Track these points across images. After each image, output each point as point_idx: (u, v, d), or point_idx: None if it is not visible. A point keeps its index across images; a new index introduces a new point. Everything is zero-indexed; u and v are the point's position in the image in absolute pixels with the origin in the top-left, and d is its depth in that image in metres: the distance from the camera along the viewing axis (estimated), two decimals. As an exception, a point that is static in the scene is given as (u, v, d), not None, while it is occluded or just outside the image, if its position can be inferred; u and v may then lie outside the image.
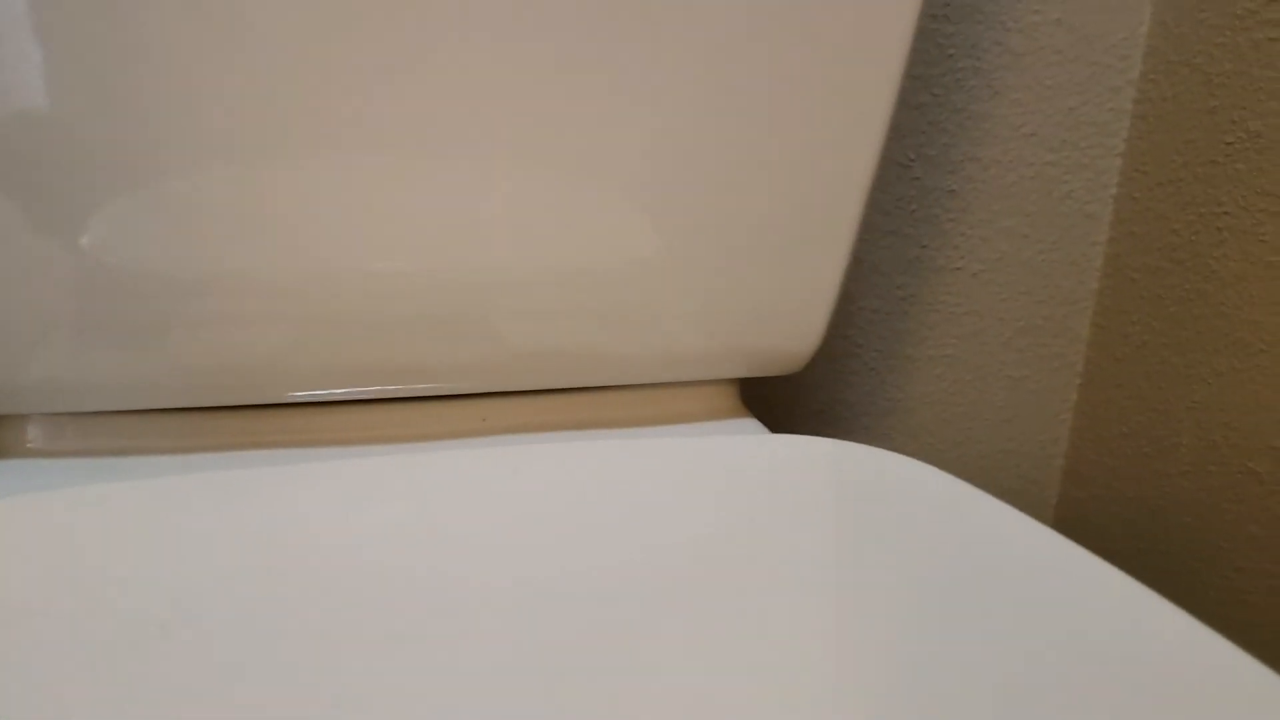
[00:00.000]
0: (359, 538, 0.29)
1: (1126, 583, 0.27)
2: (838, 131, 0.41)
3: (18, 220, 0.36)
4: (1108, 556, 0.74)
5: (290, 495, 0.32)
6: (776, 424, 0.72)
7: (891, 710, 0.22)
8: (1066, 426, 0.78)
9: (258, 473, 0.34)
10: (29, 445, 0.41)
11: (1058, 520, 0.80)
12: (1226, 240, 0.64)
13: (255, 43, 0.35)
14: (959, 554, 0.29)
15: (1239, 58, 0.63)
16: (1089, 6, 0.67)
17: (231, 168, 0.37)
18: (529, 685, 0.22)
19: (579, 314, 0.42)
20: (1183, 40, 0.66)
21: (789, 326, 0.45)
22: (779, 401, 0.71)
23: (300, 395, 0.42)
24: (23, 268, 0.37)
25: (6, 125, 0.35)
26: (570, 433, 0.40)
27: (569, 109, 0.39)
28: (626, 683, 0.22)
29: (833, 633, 0.24)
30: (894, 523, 0.30)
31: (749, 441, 0.36)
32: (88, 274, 0.37)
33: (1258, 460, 0.63)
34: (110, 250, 0.37)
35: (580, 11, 0.37)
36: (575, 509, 0.31)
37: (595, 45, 0.38)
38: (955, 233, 0.70)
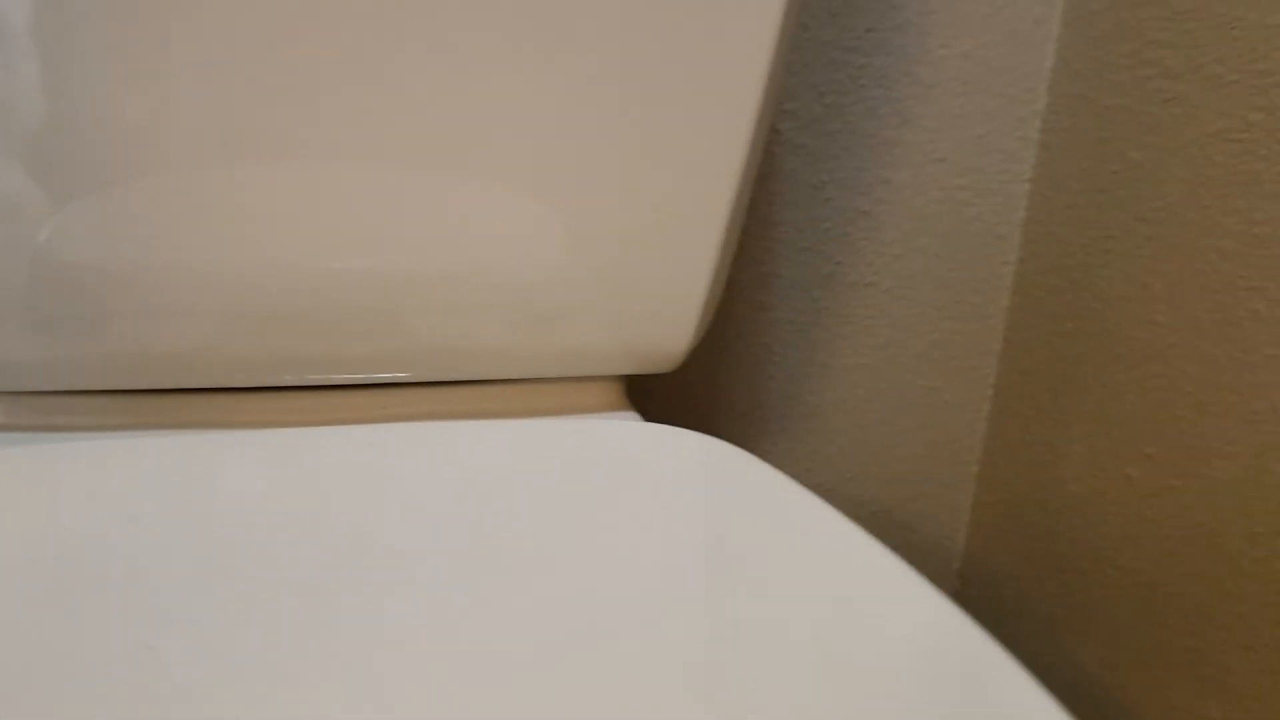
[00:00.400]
0: (210, 497, 0.34)
1: (913, 582, 0.31)
2: (702, 144, 0.46)
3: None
4: (1015, 559, 0.79)
5: (175, 460, 0.37)
6: (699, 425, 0.77)
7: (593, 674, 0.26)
8: (980, 435, 0.83)
9: (156, 440, 0.39)
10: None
11: (972, 524, 0.85)
12: (1111, 262, 0.69)
13: (175, 52, 0.40)
14: (729, 530, 0.34)
15: (1124, 93, 0.67)
16: (995, 41, 0.72)
17: (164, 169, 0.42)
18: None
19: (471, 310, 0.47)
20: (1081, 75, 0.71)
21: (663, 326, 0.50)
22: (700, 404, 0.76)
23: (225, 381, 0.48)
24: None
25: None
26: (453, 421, 0.45)
27: (463, 114, 0.44)
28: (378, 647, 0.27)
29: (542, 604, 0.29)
30: (677, 498, 0.35)
31: (589, 425, 0.41)
32: (35, 265, 0.43)
33: (1133, 466, 0.68)
34: (57, 245, 0.43)
35: (471, 17, 0.42)
36: (398, 482, 0.36)
37: (481, 54, 0.43)
38: (868, 251, 0.75)
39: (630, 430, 0.41)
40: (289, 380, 0.49)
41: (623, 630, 0.27)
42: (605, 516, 0.34)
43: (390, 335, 0.48)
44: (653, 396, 0.75)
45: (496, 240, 0.46)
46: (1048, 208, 0.75)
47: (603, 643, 0.26)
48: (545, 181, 0.45)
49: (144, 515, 0.33)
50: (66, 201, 0.42)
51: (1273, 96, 0.57)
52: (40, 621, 0.27)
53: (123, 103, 0.41)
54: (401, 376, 0.49)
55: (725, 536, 0.33)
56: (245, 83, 0.41)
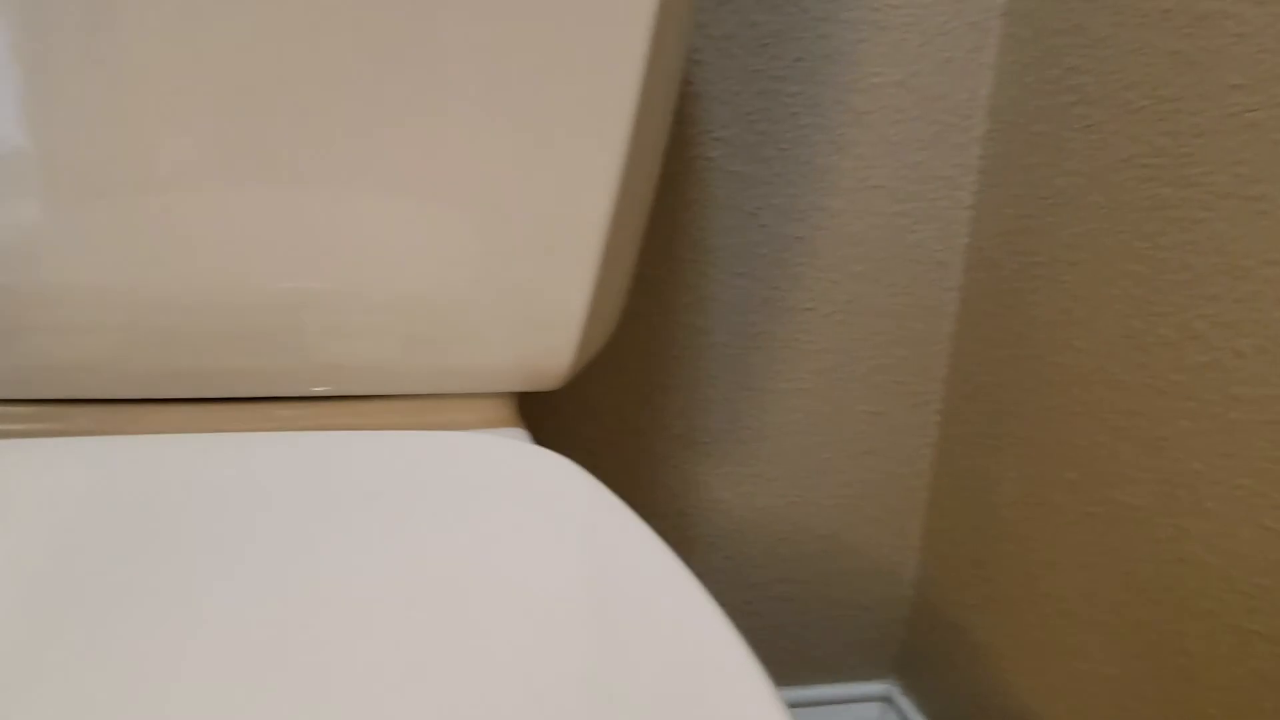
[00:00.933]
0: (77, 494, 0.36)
1: (688, 590, 0.32)
2: (574, 159, 0.47)
3: None
4: (965, 587, 0.79)
5: (72, 462, 0.39)
6: (635, 447, 0.78)
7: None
8: (928, 461, 0.83)
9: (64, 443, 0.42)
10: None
11: (924, 550, 0.85)
12: (1040, 288, 0.69)
13: (90, 75, 0.43)
14: (524, 534, 0.35)
15: (1050, 119, 0.68)
16: (929, 70, 0.73)
17: (77, 192, 0.44)
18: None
19: (353, 328, 0.49)
20: (1015, 102, 0.72)
21: (543, 342, 0.51)
22: (639, 427, 0.77)
23: (122, 393, 0.50)
24: None
25: None
26: (335, 432, 0.47)
27: (348, 136, 0.45)
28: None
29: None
30: (487, 508, 0.36)
31: (442, 439, 0.42)
32: None
33: (1058, 492, 0.68)
34: None
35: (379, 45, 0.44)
36: (240, 483, 0.38)
37: (358, 73, 0.45)
38: (806, 276, 0.76)
39: (484, 446, 0.42)
40: (185, 393, 0.50)
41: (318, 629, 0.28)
42: (400, 524, 0.35)
43: (281, 351, 0.49)
44: (587, 418, 0.76)
45: (372, 257, 0.47)
46: (987, 234, 0.75)
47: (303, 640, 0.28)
48: (421, 198, 0.47)
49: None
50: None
51: (1177, 122, 0.58)
52: None
53: (43, 123, 0.43)
54: (291, 390, 0.51)
55: (496, 544, 0.34)
56: (149, 110, 0.43)
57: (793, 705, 0.86)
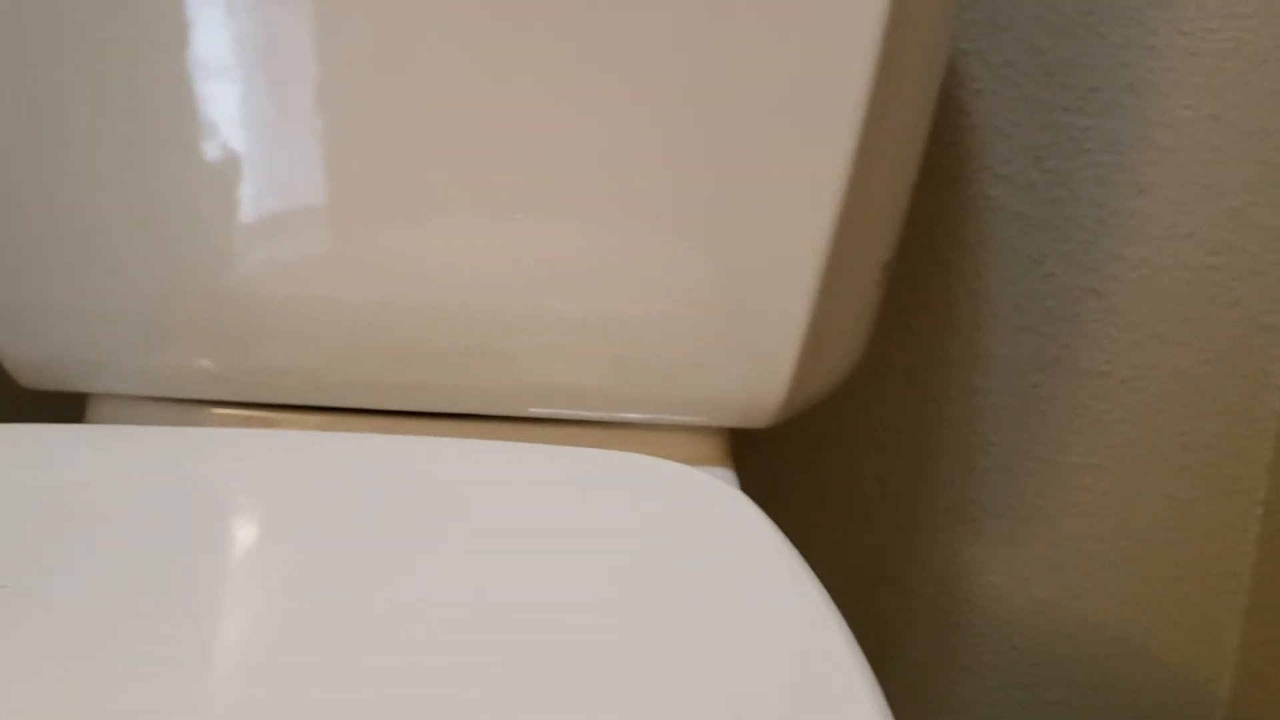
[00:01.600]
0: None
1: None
2: (790, 174, 0.43)
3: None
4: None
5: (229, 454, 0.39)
6: (901, 518, 0.71)
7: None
8: (1249, 561, 0.71)
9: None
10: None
11: (1240, 666, 0.72)
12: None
13: (345, 107, 0.43)
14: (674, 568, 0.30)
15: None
16: (1251, 102, 0.64)
17: (333, 212, 0.45)
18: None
19: (553, 349, 0.46)
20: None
21: (751, 376, 0.46)
22: (899, 493, 0.70)
23: (338, 401, 0.49)
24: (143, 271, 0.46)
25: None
26: (513, 443, 0.44)
27: (565, 158, 0.44)
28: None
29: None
30: (641, 536, 0.32)
31: (603, 457, 0.38)
32: (207, 279, 0.46)
33: None
34: (227, 264, 0.46)
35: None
36: (390, 480, 0.35)
37: (579, 97, 0.43)
38: (1100, 335, 0.67)
39: (652, 470, 0.38)
40: (394, 405, 0.49)
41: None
42: (547, 539, 0.31)
43: (492, 369, 0.48)
44: (843, 483, 0.70)
45: (579, 275, 0.45)
46: (1326, 293, 0.64)
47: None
48: (625, 213, 0.44)
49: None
50: (246, 228, 0.45)
51: None
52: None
53: (322, 144, 0.44)
54: (502, 410, 0.49)
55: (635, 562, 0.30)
56: (411, 139, 0.44)
57: (1076, 838, 0.75)
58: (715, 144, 0.43)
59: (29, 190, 0.45)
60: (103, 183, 0.45)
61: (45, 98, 0.44)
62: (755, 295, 0.45)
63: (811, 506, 0.71)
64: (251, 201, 0.45)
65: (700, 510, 0.34)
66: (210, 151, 0.44)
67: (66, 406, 0.52)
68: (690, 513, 0.34)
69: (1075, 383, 0.68)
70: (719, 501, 0.35)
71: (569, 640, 0.25)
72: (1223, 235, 0.66)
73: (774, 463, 0.70)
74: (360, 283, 0.46)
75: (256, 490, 0.36)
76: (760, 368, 0.46)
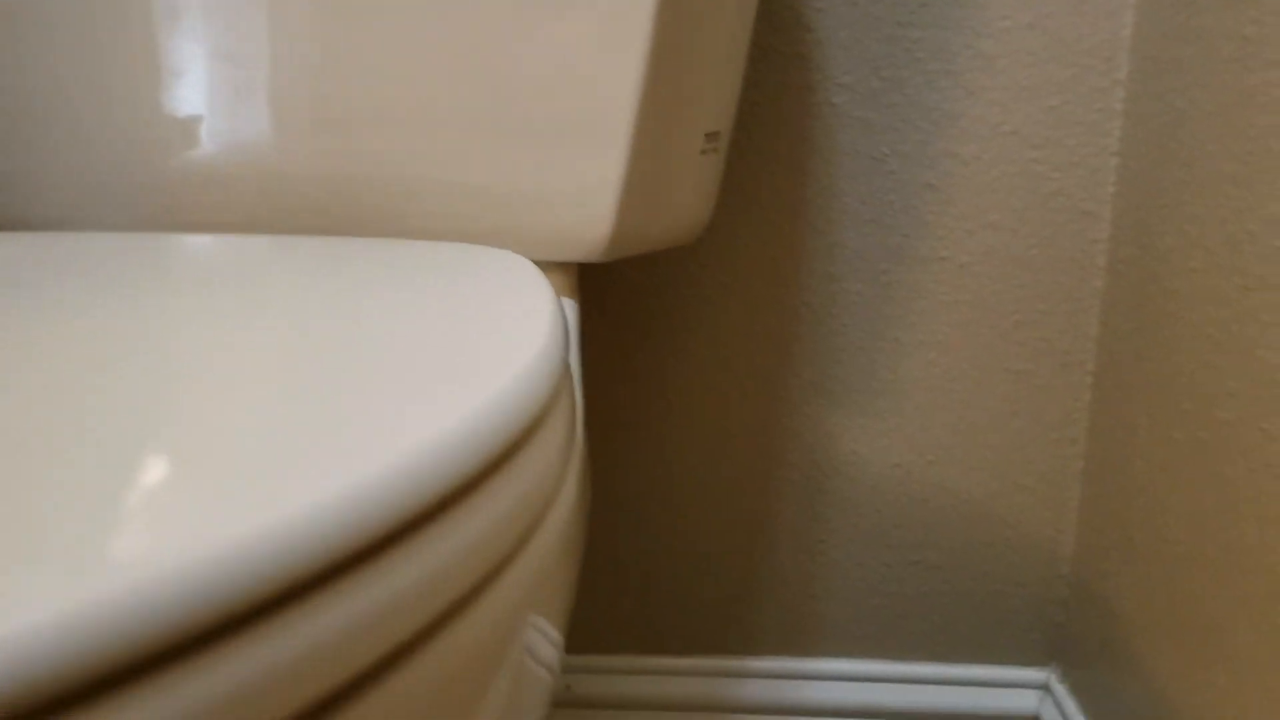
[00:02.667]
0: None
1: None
2: (593, 34, 0.52)
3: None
4: (1122, 561, 0.74)
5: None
6: (770, 393, 0.79)
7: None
8: (1083, 427, 0.79)
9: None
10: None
11: (1081, 524, 0.80)
12: (1200, 239, 0.66)
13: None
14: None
15: (1198, 43, 0.66)
16: (1061, 11, 0.72)
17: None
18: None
19: (424, 196, 0.55)
20: (1161, 40, 0.70)
21: (578, 212, 0.55)
22: (768, 371, 0.78)
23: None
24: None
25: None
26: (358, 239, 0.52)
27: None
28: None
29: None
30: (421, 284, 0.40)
31: (450, 249, 0.46)
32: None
33: (1175, 428, 0.64)
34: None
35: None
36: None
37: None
38: (938, 225, 0.76)
39: (481, 255, 0.46)
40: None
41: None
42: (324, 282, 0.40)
43: (374, 215, 0.56)
44: (716, 364, 0.78)
45: (422, 133, 0.54)
46: (1137, 184, 0.73)
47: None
48: (438, 77, 0.53)
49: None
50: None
51: None
52: None
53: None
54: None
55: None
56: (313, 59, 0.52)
57: (942, 683, 0.83)
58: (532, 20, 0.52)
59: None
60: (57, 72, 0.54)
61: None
62: (576, 137, 0.54)
63: (688, 391, 0.79)
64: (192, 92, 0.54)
65: (496, 273, 0.42)
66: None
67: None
68: (485, 274, 0.42)
69: (918, 269, 0.77)
70: (517, 271, 0.43)
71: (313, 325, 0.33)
72: (1043, 131, 0.74)
73: (658, 355, 0.78)
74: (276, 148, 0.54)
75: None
76: (586, 203, 0.55)
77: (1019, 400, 0.79)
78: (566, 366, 0.33)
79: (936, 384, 0.79)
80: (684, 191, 0.59)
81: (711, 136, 0.60)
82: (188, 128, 0.54)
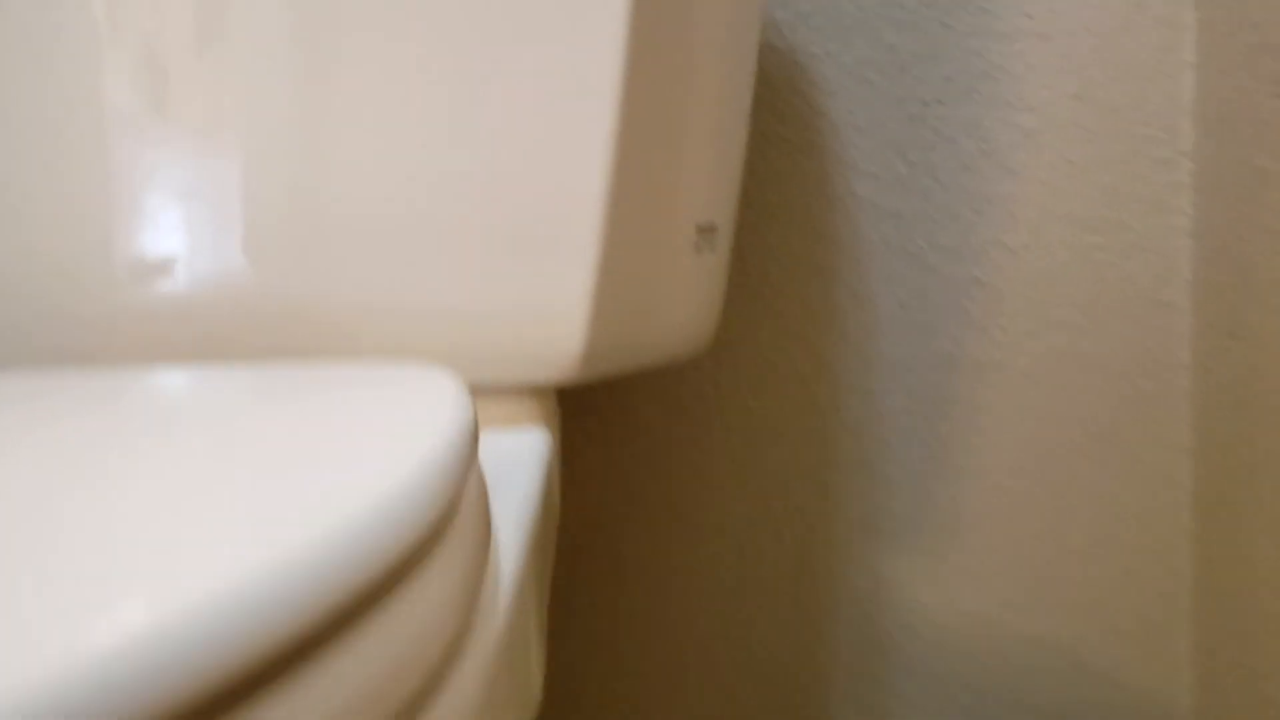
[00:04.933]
0: None
1: None
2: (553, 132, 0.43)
3: None
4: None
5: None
6: (811, 533, 0.67)
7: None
8: (1185, 556, 0.66)
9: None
10: None
11: (1196, 676, 0.66)
12: None
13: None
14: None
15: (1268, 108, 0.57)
16: (1108, 79, 0.64)
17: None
18: None
19: (379, 313, 0.46)
20: (1226, 101, 0.61)
21: (540, 329, 0.45)
22: (804, 506, 0.67)
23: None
24: None
25: None
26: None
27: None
28: None
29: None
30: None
31: (378, 375, 0.36)
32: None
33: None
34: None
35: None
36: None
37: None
38: (991, 326, 0.65)
39: (409, 378, 0.36)
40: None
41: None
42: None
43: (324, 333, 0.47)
44: (746, 498, 0.67)
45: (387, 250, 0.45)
46: (1219, 263, 0.62)
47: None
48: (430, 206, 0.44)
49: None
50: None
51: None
52: None
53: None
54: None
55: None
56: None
57: None
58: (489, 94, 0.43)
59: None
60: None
61: None
62: (533, 239, 0.44)
63: (709, 537, 0.68)
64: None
65: (409, 392, 0.32)
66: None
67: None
68: (398, 392, 0.32)
69: (973, 379, 0.66)
70: (436, 390, 0.33)
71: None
72: (1100, 212, 0.65)
73: (672, 493, 0.68)
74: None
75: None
76: (548, 317, 0.45)
77: (1105, 529, 0.66)
78: (447, 505, 0.23)
79: (1005, 515, 0.67)
80: (675, 297, 0.50)
81: (705, 231, 0.50)
82: (126, 254, 0.46)
